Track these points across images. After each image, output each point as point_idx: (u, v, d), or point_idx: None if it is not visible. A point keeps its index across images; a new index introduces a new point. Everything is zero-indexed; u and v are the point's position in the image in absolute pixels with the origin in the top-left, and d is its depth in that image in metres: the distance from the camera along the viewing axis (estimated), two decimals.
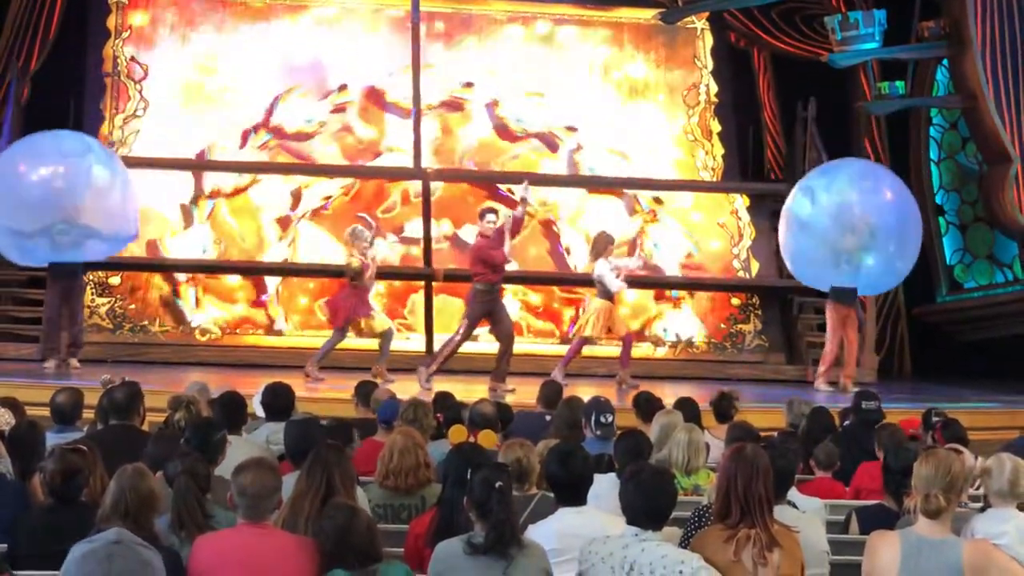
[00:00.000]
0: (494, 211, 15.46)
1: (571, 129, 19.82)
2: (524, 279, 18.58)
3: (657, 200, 19.66)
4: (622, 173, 19.76)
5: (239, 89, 19.41)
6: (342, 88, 19.60)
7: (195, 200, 18.87)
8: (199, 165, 18.96)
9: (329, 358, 15.52)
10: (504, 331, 15.16)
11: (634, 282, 16.55)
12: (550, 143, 19.79)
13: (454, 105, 19.78)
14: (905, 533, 6.08)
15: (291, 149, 19.36)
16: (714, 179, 20.17)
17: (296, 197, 19.00)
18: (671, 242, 19.48)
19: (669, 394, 12.02)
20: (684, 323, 19.05)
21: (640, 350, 17.61)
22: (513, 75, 20.00)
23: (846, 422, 10.96)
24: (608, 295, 15.47)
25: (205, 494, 6.46)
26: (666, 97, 20.36)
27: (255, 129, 19.31)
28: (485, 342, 16.39)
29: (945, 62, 19.31)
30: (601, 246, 15.65)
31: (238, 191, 19.00)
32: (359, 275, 15.28)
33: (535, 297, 19.00)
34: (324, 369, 15.28)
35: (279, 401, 9.84)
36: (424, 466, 7.67)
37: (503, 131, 19.76)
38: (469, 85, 19.83)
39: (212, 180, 19.09)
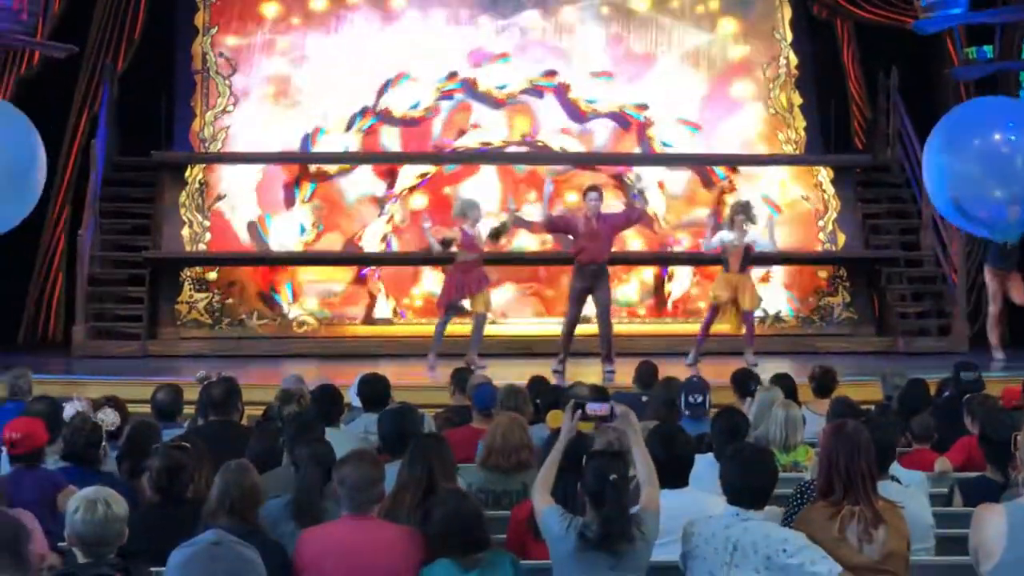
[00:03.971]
0: (596, 189, 15.48)
1: (641, 107, 19.72)
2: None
3: (733, 169, 19.54)
4: (695, 146, 19.71)
5: (335, 78, 19.48)
6: (452, 76, 19.64)
7: (297, 181, 18.99)
8: (290, 158, 19.08)
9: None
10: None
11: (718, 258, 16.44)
12: (622, 121, 19.72)
13: (536, 92, 19.75)
14: (1011, 505, 6.01)
15: (395, 132, 19.47)
16: (797, 152, 20.03)
17: (392, 175, 19.10)
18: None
19: (759, 369, 11.98)
20: (772, 297, 18.94)
21: (727, 326, 17.54)
22: (586, 53, 19.93)
23: (945, 393, 10.86)
24: (734, 266, 15.51)
25: (327, 484, 6.49)
26: (746, 71, 20.22)
27: (363, 113, 19.39)
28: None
29: None
30: (732, 214, 15.88)
31: (342, 171, 19.13)
32: (448, 245, 15.43)
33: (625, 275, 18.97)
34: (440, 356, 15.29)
35: (375, 391, 9.85)
36: (527, 448, 7.70)
37: (575, 114, 19.71)
38: (552, 74, 19.78)
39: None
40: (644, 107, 19.76)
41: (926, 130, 19.09)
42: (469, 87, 19.64)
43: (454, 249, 15.46)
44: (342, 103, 19.43)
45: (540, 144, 19.53)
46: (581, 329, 15.55)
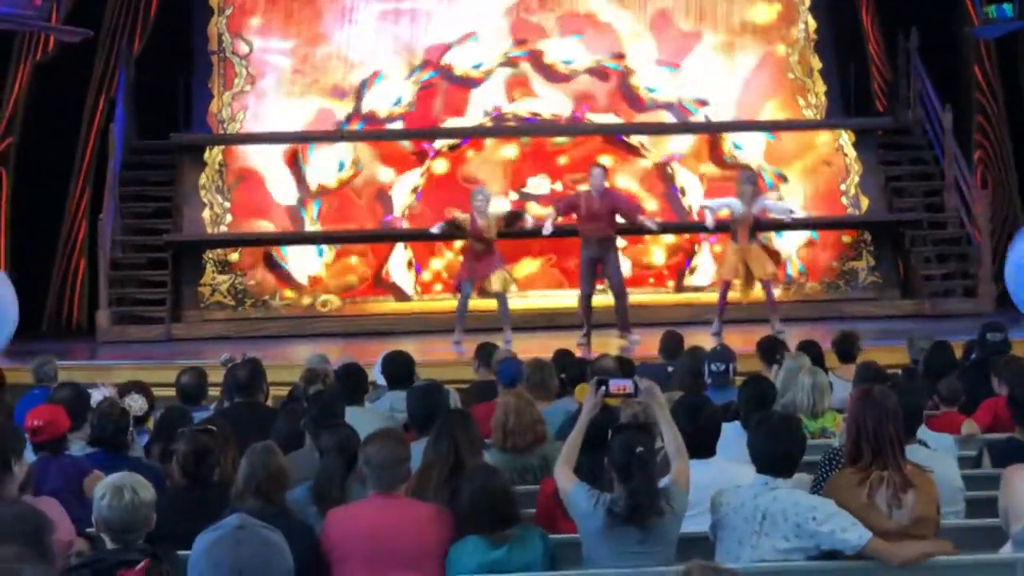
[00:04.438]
0: (599, 165, 15.61)
1: (701, 103, 19.69)
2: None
3: (781, 178, 19.39)
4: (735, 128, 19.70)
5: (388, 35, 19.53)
6: (521, 43, 19.61)
7: (348, 119, 19.12)
8: (312, 136, 19.05)
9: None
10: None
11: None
12: (679, 115, 19.68)
13: (600, 73, 19.71)
14: None
15: (452, 90, 19.46)
16: (818, 116, 19.93)
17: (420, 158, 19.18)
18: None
19: (785, 336, 11.95)
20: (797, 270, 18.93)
21: (752, 293, 17.48)
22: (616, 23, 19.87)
23: (972, 355, 10.81)
24: (742, 237, 15.47)
25: (351, 471, 6.49)
26: (763, 36, 20.10)
27: (422, 66, 19.40)
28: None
29: None
30: (740, 184, 15.89)
31: (391, 116, 19.24)
32: (462, 228, 15.56)
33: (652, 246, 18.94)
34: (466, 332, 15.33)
35: (399, 369, 9.81)
36: (539, 423, 7.67)
37: (634, 100, 19.66)
38: (620, 56, 19.72)
39: (368, 104, 19.29)
40: (703, 103, 19.70)
41: (947, 91, 19.14)
42: (535, 58, 19.59)
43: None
44: (399, 58, 19.41)
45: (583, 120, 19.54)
46: (603, 300, 15.56)
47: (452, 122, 19.31)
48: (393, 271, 18.66)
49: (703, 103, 19.67)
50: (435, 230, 16.02)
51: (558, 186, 18.92)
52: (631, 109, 19.59)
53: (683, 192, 19.15)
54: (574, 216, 15.59)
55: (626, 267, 17.18)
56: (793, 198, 18.94)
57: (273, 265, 18.48)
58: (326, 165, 18.86)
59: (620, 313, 15.34)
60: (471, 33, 19.47)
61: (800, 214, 17.58)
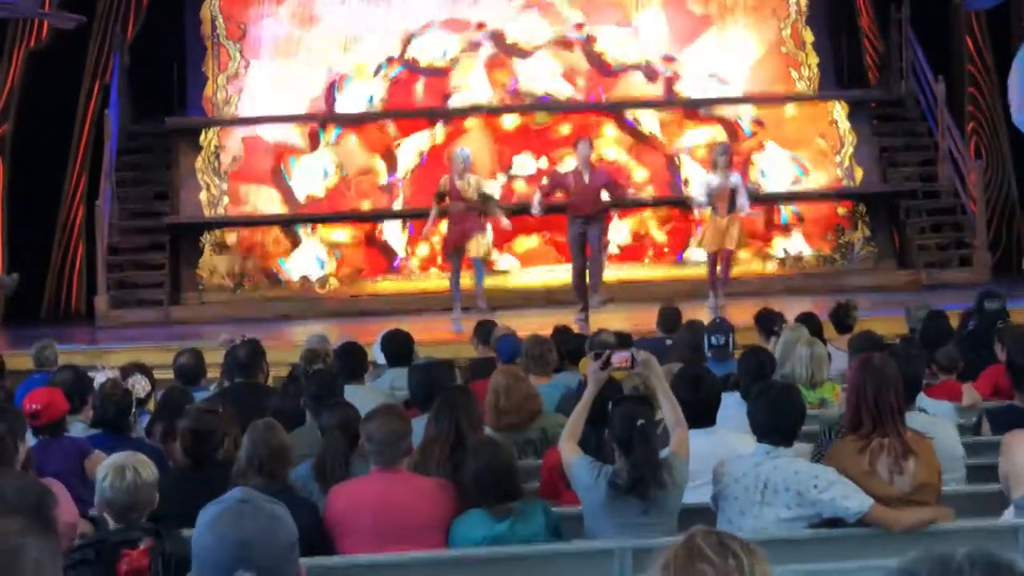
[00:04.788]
0: (585, 139, 15.66)
1: (669, 59, 19.68)
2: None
3: (758, 123, 19.45)
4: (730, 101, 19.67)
5: (357, 29, 19.52)
6: (480, 26, 19.62)
7: (323, 125, 19.05)
8: (304, 117, 19.08)
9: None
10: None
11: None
12: (648, 73, 19.66)
13: (564, 44, 19.70)
14: None
15: (424, 81, 19.50)
16: (811, 89, 19.94)
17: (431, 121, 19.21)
18: (778, 168, 19.26)
19: (783, 309, 11.97)
20: (793, 243, 18.95)
21: (749, 267, 17.54)
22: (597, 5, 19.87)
23: (970, 323, 10.83)
24: (721, 209, 15.47)
25: (353, 449, 6.51)
26: (755, 11, 20.09)
27: (389, 61, 19.40)
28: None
29: None
30: (715, 155, 15.84)
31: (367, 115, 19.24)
32: (440, 198, 15.58)
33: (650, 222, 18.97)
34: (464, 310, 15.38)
35: (398, 347, 9.86)
36: (533, 397, 7.67)
37: (600, 66, 19.66)
38: (580, 26, 19.71)
39: (341, 106, 19.29)
40: (671, 59, 19.68)
41: (939, 62, 19.14)
42: (496, 39, 19.60)
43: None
44: (366, 52, 19.43)
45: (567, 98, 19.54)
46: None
47: (460, 99, 19.36)
48: (386, 230, 18.69)
49: (671, 59, 19.66)
50: (433, 213, 16.00)
51: (543, 162, 18.97)
52: (600, 75, 19.59)
53: (687, 183, 19.09)
54: (559, 194, 15.56)
55: (625, 238, 17.22)
56: (783, 164, 19.07)
57: (274, 280, 18.48)
58: (310, 174, 18.83)
59: (594, 277, 15.34)
60: (429, 24, 19.47)
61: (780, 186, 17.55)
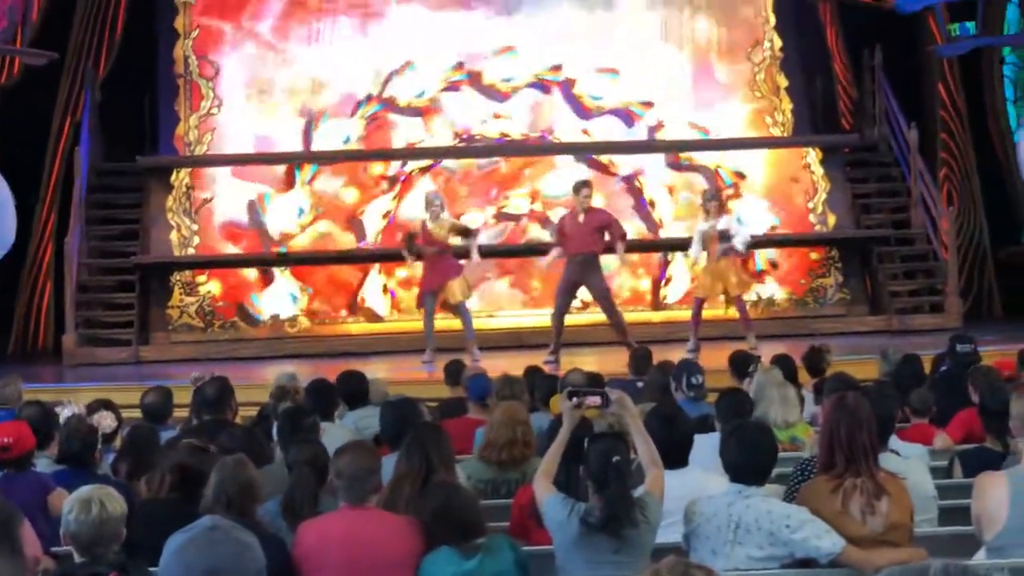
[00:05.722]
0: (587, 184, 15.56)
1: (647, 104, 19.72)
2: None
3: (739, 175, 19.47)
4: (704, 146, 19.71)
5: (335, 64, 19.54)
6: (458, 67, 19.65)
7: (299, 164, 19.02)
8: (277, 158, 19.05)
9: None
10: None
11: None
12: (626, 119, 19.71)
13: (541, 87, 19.74)
14: (1013, 472, 6.00)
15: (400, 122, 19.48)
16: (784, 134, 19.99)
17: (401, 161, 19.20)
18: (755, 217, 19.25)
19: (758, 353, 11.96)
20: (767, 288, 18.97)
21: (720, 311, 17.53)
22: (576, 46, 19.87)
23: (942, 366, 10.84)
24: (713, 254, 15.47)
25: (321, 485, 6.46)
26: (730, 56, 20.16)
27: (367, 99, 19.41)
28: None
29: (1015, 0, 19.06)
30: (704, 201, 15.90)
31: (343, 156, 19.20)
32: (409, 244, 15.61)
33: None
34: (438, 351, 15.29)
35: (352, 388, 9.87)
36: (524, 443, 7.64)
37: (580, 109, 19.70)
38: (557, 68, 19.76)
39: (318, 145, 19.25)
40: (650, 104, 19.73)
41: (912, 108, 19.24)
42: (474, 79, 19.64)
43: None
44: (343, 91, 19.43)
45: (550, 137, 19.55)
46: (572, 320, 15.54)
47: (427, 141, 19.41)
48: (368, 297, 18.60)
49: (649, 104, 19.71)
50: (404, 254, 15.92)
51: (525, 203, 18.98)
52: (579, 118, 19.64)
53: (652, 205, 19.16)
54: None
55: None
56: (760, 215, 19.08)
57: (246, 316, 18.39)
58: (286, 213, 18.78)
59: (617, 329, 15.32)
60: (409, 62, 19.50)
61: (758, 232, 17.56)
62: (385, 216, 18.83)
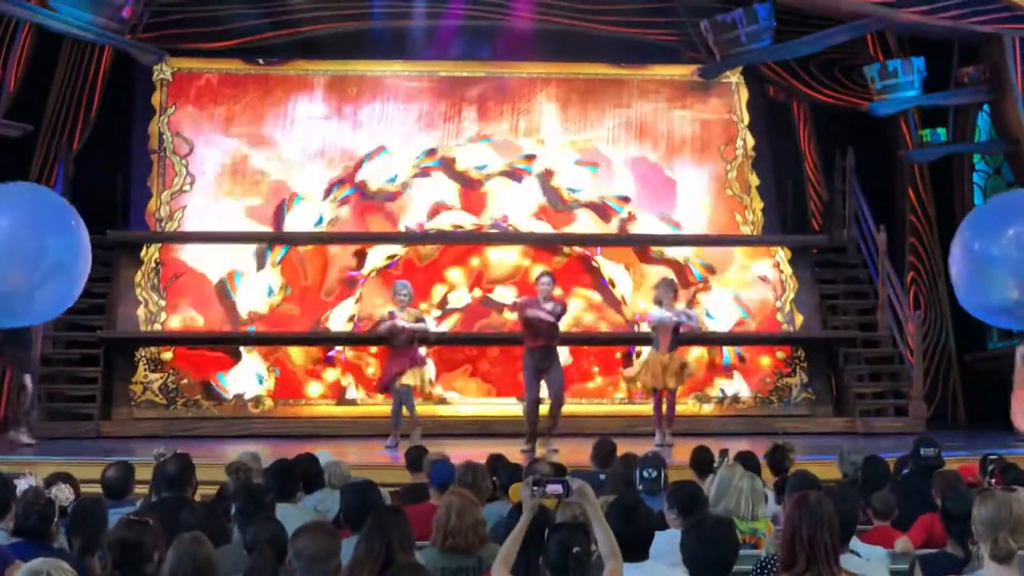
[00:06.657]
0: (548, 274, 15.57)
1: (624, 199, 19.83)
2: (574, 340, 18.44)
3: (710, 270, 19.55)
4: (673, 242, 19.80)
5: (308, 147, 19.70)
6: (431, 153, 19.77)
7: (270, 244, 19.02)
8: (247, 238, 19.08)
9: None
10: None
11: (684, 340, 16.35)
12: (603, 213, 19.80)
13: (514, 175, 19.84)
14: None
15: (372, 206, 19.57)
16: (754, 232, 20.09)
17: (360, 256, 19.14)
18: (723, 311, 19.35)
19: (717, 450, 11.92)
20: (732, 384, 18.99)
21: (686, 407, 17.53)
22: (551, 137, 20.04)
23: (905, 470, 10.84)
24: (663, 345, 15.44)
25: (281, 564, 6.39)
26: (702, 153, 20.31)
27: (340, 182, 19.50)
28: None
29: (986, 107, 19.25)
30: (660, 292, 15.78)
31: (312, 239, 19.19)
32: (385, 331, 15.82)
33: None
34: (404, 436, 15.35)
35: (305, 470, 9.74)
36: (481, 524, 7.60)
37: (556, 201, 19.79)
38: (530, 158, 19.88)
39: (289, 226, 19.31)
40: (626, 199, 19.85)
41: (882, 211, 19.38)
42: (447, 165, 19.73)
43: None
44: (316, 173, 19.56)
45: (511, 228, 19.61)
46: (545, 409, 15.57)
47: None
48: (334, 378, 18.59)
49: (625, 200, 19.80)
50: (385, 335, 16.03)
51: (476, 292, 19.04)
52: (553, 210, 19.71)
53: (612, 284, 19.21)
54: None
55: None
56: (727, 308, 19.18)
57: (211, 394, 18.30)
58: (255, 292, 18.79)
59: (552, 419, 15.27)
60: (381, 147, 19.57)
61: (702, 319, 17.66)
62: (350, 319, 18.84)
